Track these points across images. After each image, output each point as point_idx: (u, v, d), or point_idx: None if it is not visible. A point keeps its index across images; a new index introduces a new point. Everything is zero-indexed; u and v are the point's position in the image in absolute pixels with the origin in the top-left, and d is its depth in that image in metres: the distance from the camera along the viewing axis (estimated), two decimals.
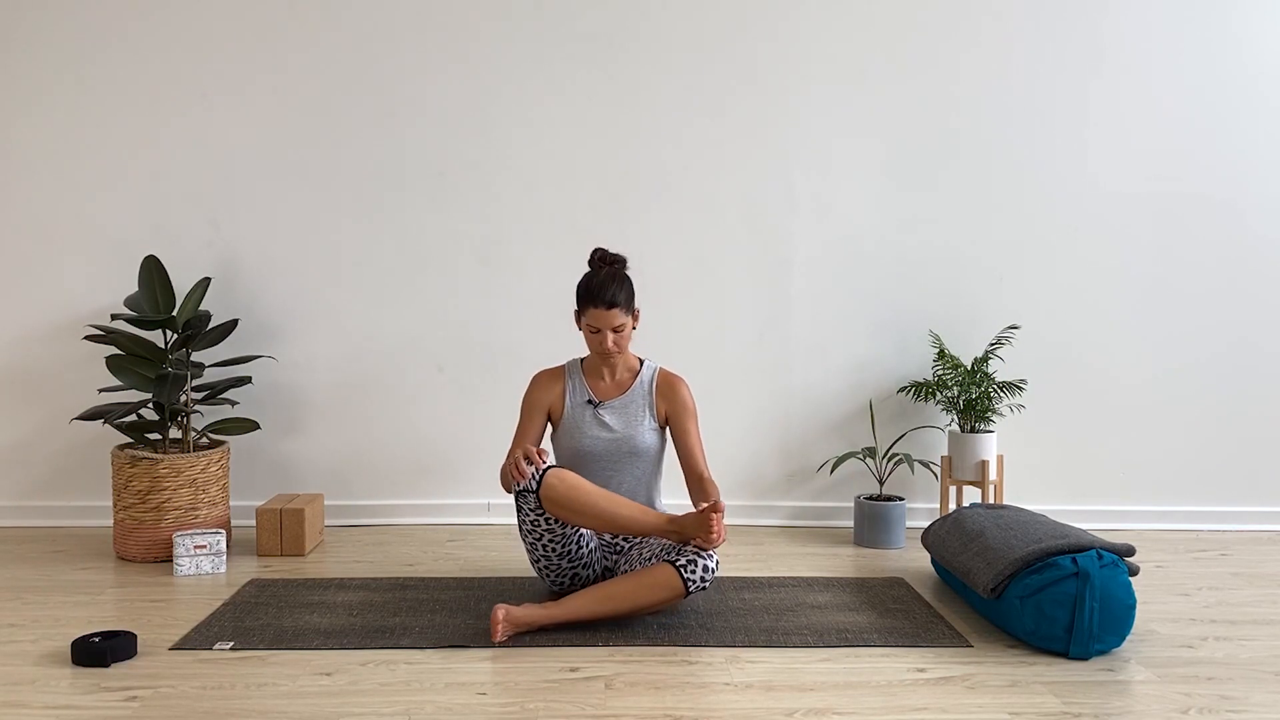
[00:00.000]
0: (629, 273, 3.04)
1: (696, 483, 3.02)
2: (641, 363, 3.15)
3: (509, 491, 2.88)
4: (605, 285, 2.95)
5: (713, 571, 2.78)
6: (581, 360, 3.17)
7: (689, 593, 2.76)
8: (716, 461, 3.18)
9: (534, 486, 2.80)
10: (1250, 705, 2.39)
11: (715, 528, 2.72)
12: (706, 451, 3.11)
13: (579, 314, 3.03)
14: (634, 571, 2.83)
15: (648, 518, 2.82)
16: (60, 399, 3.96)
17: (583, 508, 2.79)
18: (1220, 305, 4.10)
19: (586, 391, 3.10)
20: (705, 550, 2.77)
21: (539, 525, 2.86)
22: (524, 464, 2.79)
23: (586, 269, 3.06)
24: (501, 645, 2.67)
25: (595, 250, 3.05)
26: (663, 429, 3.11)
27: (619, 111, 4.02)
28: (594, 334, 3.00)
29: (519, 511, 2.87)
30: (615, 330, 2.98)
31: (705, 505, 2.77)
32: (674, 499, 3.22)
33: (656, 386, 3.11)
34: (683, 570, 2.74)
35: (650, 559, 2.85)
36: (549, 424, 3.14)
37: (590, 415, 3.07)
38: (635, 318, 3.06)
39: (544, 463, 2.82)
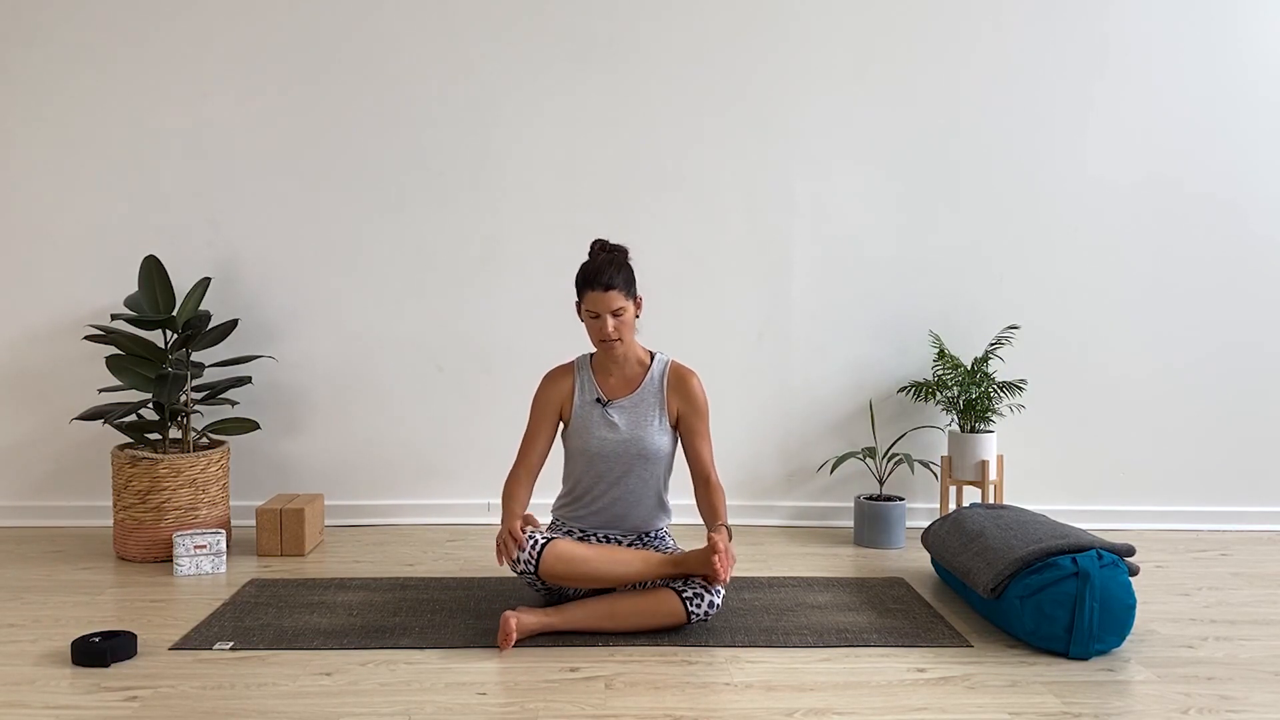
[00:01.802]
0: (630, 262, 2.94)
1: (703, 485, 2.96)
2: (652, 356, 3.02)
3: (501, 564, 2.84)
4: (602, 269, 2.86)
5: (717, 606, 2.79)
6: (591, 356, 3.06)
7: (690, 622, 2.77)
8: (716, 461, 3.16)
9: (531, 569, 2.78)
10: (1250, 705, 2.39)
11: (719, 568, 2.69)
12: None
13: (579, 303, 2.93)
14: (639, 592, 2.81)
15: (651, 566, 2.80)
16: (60, 399, 3.96)
17: (583, 577, 2.79)
18: (1221, 305, 4.10)
19: (595, 389, 3.00)
20: (713, 586, 2.78)
21: (536, 583, 2.89)
22: (514, 549, 2.75)
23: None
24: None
25: (596, 240, 2.97)
26: (675, 428, 3.01)
27: (620, 112, 4.02)
28: (594, 320, 2.88)
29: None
30: (615, 315, 2.85)
31: (706, 545, 2.75)
32: (680, 499, 3.17)
33: (668, 381, 2.98)
34: (688, 603, 2.76)
35: (657, 580, 2.83)
36: (561, 422, 3.06)
37: (598, 415, 2.97)
38: (638, 305, 2.93)
39: (536, 535, 2.78)
